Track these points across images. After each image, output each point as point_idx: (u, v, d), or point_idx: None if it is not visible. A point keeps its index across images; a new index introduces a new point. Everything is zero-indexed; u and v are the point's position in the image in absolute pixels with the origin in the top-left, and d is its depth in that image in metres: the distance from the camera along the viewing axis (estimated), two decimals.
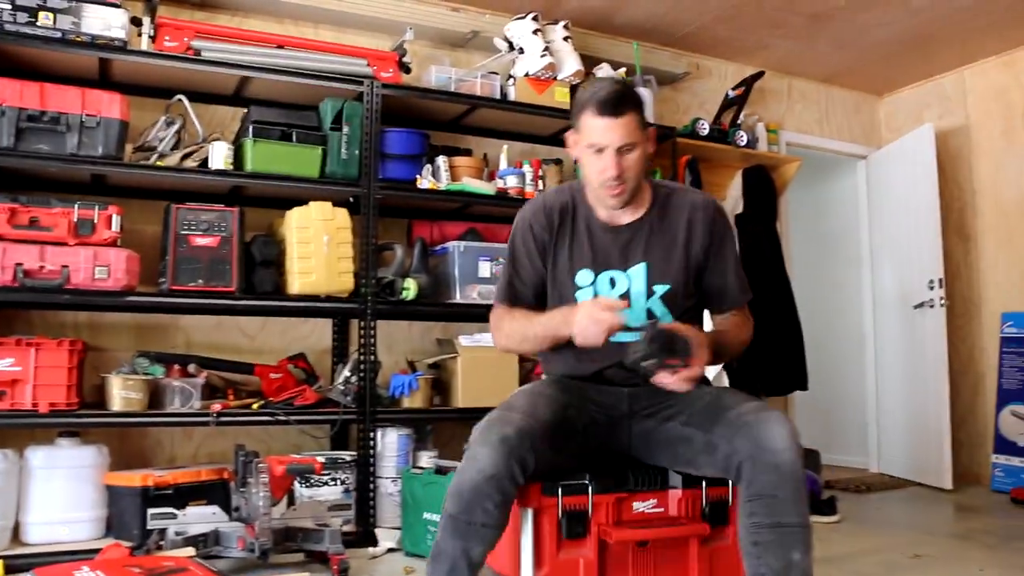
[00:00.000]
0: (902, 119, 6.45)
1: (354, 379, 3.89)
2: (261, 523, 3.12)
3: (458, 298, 4.19)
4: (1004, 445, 5.38)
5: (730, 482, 2.18)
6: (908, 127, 6.25)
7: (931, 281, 5.61)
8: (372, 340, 3.95)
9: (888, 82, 6.39)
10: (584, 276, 2.33)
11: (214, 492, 3.57)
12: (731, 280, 2.40)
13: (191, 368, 3.80)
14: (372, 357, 3.94)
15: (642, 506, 2.24)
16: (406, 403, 4.06)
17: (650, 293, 2.31)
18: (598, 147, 2.17)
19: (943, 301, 5.54)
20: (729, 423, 2.06)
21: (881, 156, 6.35)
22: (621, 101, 2.15)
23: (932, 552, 3.64)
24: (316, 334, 4.38)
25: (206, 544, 3.24)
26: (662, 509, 2.25)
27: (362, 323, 3.97)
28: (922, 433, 5.66)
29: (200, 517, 3.49)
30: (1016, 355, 5.43)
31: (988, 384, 5.69)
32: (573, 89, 4.70)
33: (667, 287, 2.30)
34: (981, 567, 3.37)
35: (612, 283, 2.32)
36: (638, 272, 2.31)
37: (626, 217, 2.33)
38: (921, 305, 5.68)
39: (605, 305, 2.10)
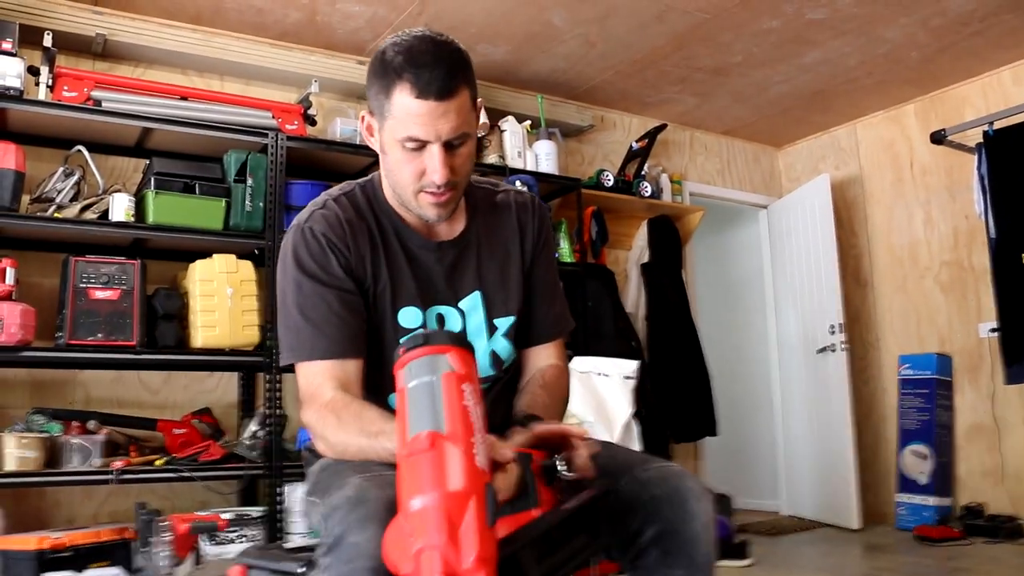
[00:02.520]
0: (800, 169, 6.69)
1: (261, 433, 3.82)
2: None
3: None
4: (906, 484, 5.53)
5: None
6: (806, 177, 6.48)
7: (832, 326, 5.78)
8: (278, 394, 3.89)
9: (786, 134, 6.62)
10: (410, 316, 1.69)
11: (116, 552, 3.42)
12: (557, 301, 1.87)
13: (91, 425, 3.67)
14: (279, 411, 3.88)
15: None
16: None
17: (492, 330, 1.75)
18: (418, 142, 1.55)
19: (844, 345, 5.71)
20: (622, 493, 1.52)
21: (781, 205, 6.55)
22: (451, 74, 1.53)
23: None
24: (221, 388, 4.29)
25: None
26: None
27: (268, 376, 3.91)
28: (830, 475, 5.78)
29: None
30: (913, 396, 5.61)
31: (889, 425, 5.86)
32: (479, 142, 4.76)
33: (510, 320, 1.76)
34: None
35: (440, 322, 1.72)
36: (473, 305, 1.74)
37: (446, 230, 1.74)
38: (824, 349, 5.84)
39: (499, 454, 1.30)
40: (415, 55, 1.53)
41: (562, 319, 1.87)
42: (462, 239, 1.75)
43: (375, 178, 1.77)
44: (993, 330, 4.87)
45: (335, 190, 1.78)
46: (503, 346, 1.76)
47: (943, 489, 5.41)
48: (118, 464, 3.54)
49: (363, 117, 1.67)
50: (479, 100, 1.65)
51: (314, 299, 1.61)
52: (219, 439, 3.90)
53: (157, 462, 3.65)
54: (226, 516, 3.46)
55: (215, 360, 3.89)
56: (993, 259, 4.68)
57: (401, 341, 1.30)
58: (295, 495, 3.87)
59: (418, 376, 1.23)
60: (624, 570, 1.56)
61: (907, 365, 5.72)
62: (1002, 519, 5.02)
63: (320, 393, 1.58)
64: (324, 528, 1.37)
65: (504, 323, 1.76)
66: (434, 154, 1.55)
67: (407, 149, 1.56)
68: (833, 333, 5.77)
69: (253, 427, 3.83)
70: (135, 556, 3.29)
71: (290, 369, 3.98)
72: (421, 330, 1.68)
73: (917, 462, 5.50)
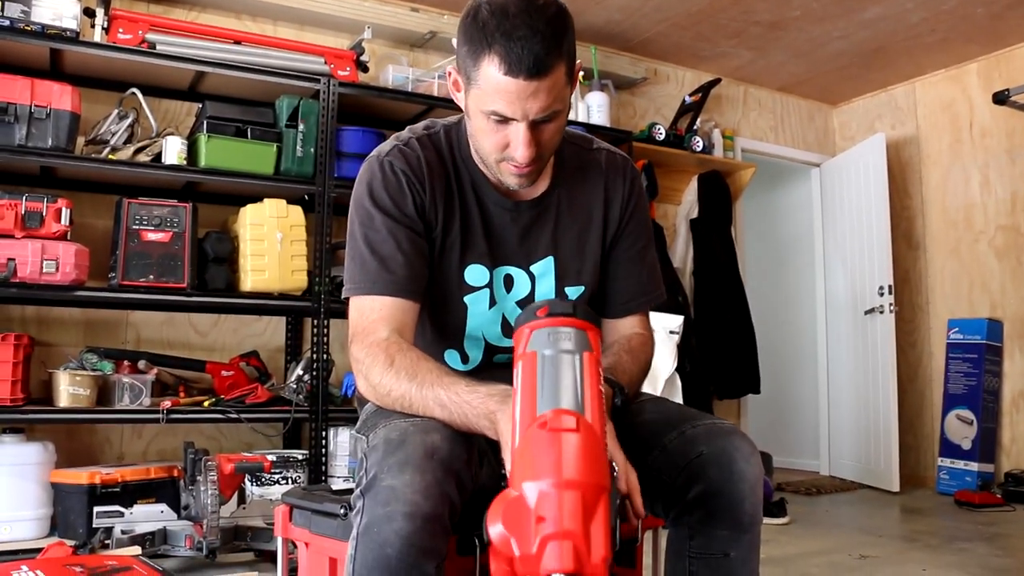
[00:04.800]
0: (855, 128, 6.56)
1: (307, 378, 3.87)
2: (209, 521, 3.09)
3: None
4: (949, 448, 5.48)
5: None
6: (861, 136, 6.35)
7: (881, 287, 5.70)
8: (325, 339, 3.93)
9: (842, 92, 6.48)
10: (477, 274, 1.63)
11: (163, 490, 3.54)
12: (645, 271, 1.75)
13: (141, 364, 3.75)
14: (325, 356, 3.92)
15: None
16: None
17: (560, 298, 1.66)
18: (503, 117, 1.45)
19: (892, 307, 5.63)
20: (669, 450, 1.52)
21: (834, 164, 6.44)
22: (547, 49, 1.40)
23: (877, 553, 3.70)
24: (269, 332, 4.35)
25: (153, 543, 3.22)
26: None
27: (315, 321, 3.95)
28: (871, 437, 5.74)
29: (148, 515, 3.45)
30: (961, 360, 5.54)
31: (935, 389, 5.79)
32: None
33: (580, 289, 1.68)
34: (924, 567, 3.43)
35: (508, 284, 1.65)
36: (544, 270, 1.66)
37: (526, 189, 1.62)
38: (872, 311, 5.77)
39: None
40: (509, 22, 1.40)
41: (650, 290, 1.75)
42: (542, 200, 1.65)
43: (463, 124, 1.65)
44: None
45: (420, 127, 1.68)
46: None
47: (987, 455, 5.36)
48: (167, 404, 3.61)
49: (450, 72, 1.56)
50: (577, 65, 1.53)
51: (383, 234, 1.54)
52: (266, 382, 3.96)
53: (205, 403, 3.72)
54: (271, 458, 3.51)
55: (263, 304, 3.93)
56: None
57: (542, 301, 1.26)
58: (339, 439, 3.94)
59: (557, 347, 1.16)
60: (667, 526, 1.55)
61: (956, 329, 5.64)
62: None
63: (374, 330, 1.51)
64: (362, 467, 1.35)
65: (574, 292, 1.67)
66: (519, 132, 1.46)
67: (492, 121, 1.46)
68: (882, 295, 5.69)
69: (299, 371, 3.88)
70: (182, 494, 3.38)
71: (337, 314, 3.99)
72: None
73: (962, 427, 5.44)
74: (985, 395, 5.39)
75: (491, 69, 1.41)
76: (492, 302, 1.65)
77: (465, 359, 1.71)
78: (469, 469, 1.34)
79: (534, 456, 1.06)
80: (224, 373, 3.95)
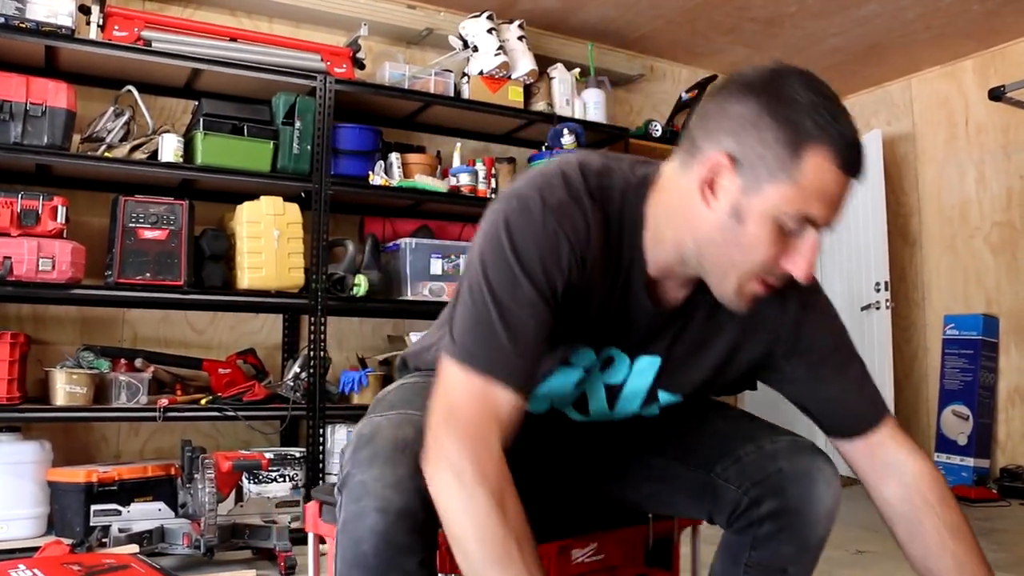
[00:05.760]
0: None
1: (304, 375, 3.87)
2: (207, 519, 3.09)
3: (409, 295, 4.16)
4: (945, 444, 5.50)
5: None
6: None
7: (877, 283, 5.71)
8: (322, 336, 3.93)
9: (838, 88, 6.25)
10: (582, 355, 1.41)
11: (160, 488, 3.54)
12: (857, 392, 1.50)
13: (138, 363, 3.74)
14: (322, 353, 3.92)
15: (581, 554, 1.68)
16: (356, 400, 4.03)
17: (650, 399, 1.48)
18: (814, 220, 1.21)
19: (889, 303, 5.64)
20: (744, 462, 1.46)
21: None
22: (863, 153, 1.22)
23: (874, 548, 3.71)
24: (266, 330, 4.35)
25: (151, 541, 3.22)
26: (602, 556, 1.71)
27: (312, 319, 3.94)
28: None
29: (145, 514, 3.45)
30: (957, 356, 5.55)
31: (930, 385, 5.81)
32: (527, 89, 4.72)
33: (676, 399, 1.49)
34: None
35: (607, 364, 1.44)
36: (646, 366, 1.44)
37: (677, 291, 1.37)
38: (868, 307, 5.78)
39: None
40: (836, 110, 1.19)
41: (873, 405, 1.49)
42: (684, 310, 1.39)
43: (644, 192, 1.32)
44: None
45: (592, 167, 1.32)
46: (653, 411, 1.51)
47: (982, 451, 5.37)
48: (164, 402, 3.61)
49: (713, 158, 1.22)
50: None
51: (526, 310, 1.21)
52: (263, 380, 3.96)
53: (202, 401, 3.72)
54: (268, 455, 3.51)
55: (260, 301, 3.94)
56: None
57: None
58: (337, 436, 3.94)
59: None
60: (726, 530, 1.53)
61: (952, 325, 5.65)
62: None
63: (473, 415, 1.18)
64: (341, 463, 1.30)
65: (666, 398, 1.47)
66: (810, 242, 1.22)
67: (783, 230, 1.21)
68: (878, 291, 5.70)
69: (296, 368, 3.88)
70: (179, 492, 3.37)
71: (334, 312, 3.98)
72: (580, 367, 1.41)
73: (957, 423, 5.46)
74: (981, 391, 5.40)
75: (824, 164, 1.17)
76: (582, 380, 1.46)
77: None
78: None
79: None
80: (221, 371, 3.94)
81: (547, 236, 1.22)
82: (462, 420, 1.17)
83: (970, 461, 5.33)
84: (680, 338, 1.41)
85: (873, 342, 5.73)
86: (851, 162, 1.18)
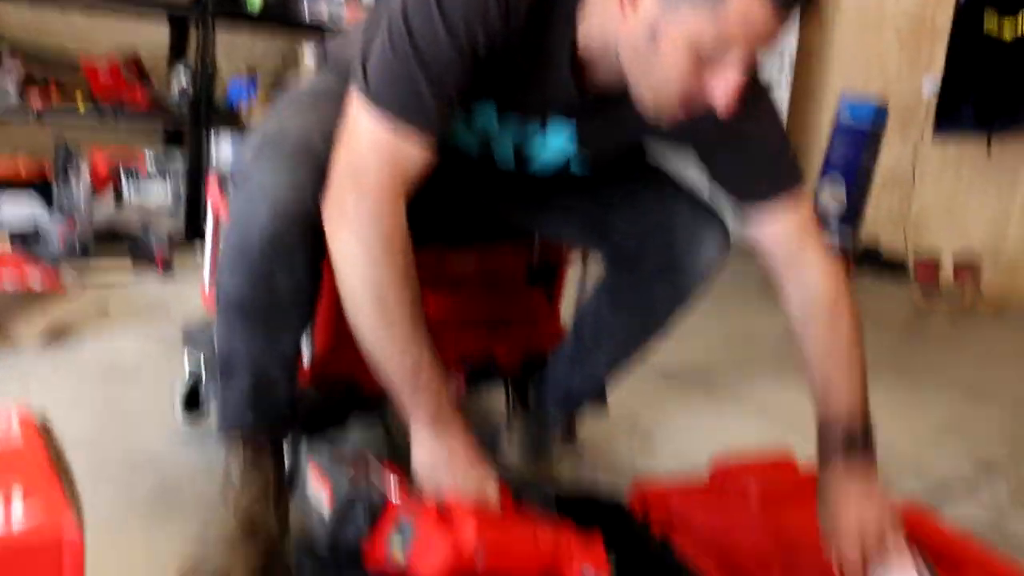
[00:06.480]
0: None
1: (190, 89, 3.73)
2: (81, 218, 3.04)
3: (307, 17, 4.01)
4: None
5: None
6: None
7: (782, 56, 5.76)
8: (211, 47, 3.75)
9: None
10: (485, 112, 1.35)
11: (33, 186, 3.42)
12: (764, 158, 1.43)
13: (3, 53, 3.49)
14: (209, 68, 3.76)
15: (459, 261, 1.74)
16: (244, 117, 3.92)
17: (562, 164, 1.47)
18: (727, 48, 1.11)
19: (789, 80, 5.70)
20: (641, 209, 1.49)
21: None
22: None
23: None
24: (154, 40, 4.08)
25: (24, 242, 3.16)
26: (482, 268, 1.79)
27: (200, 27, 3.75)
28: None
29: (17, 211, 3.34)
30: (846, 142, 5.64)
31: (814, 161, 5.95)
32: None
33: (584, 162, 1.47)
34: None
35: (517, 126, 1.39)
36: (560, 130, 1.39)
37: (606, 76, 1.29)
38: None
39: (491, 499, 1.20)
40: None
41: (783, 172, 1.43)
42: (606, 94, 1.31)
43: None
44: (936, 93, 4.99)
45: None
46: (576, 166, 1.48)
47: (850, 227, 5.60)
48: (38, 103, 3.43)
49: None
50: None
51: (445, 54, 1.15)
52: (147, 88, 3.80)
53: (80, 107, 3.55)
54: (148, 158, 3.40)
55: (146, 10, 3.75)
56: (955, 21, 4.77)
57: None
58: (220, 149, 3.84)
59: None
60: (611, 271, 1.61)
61: (847, 112, 5.72)
62: (895, 263, 5.40)
63: (380, 174, 1.15)
64: (239, 157, 1.28)
65: (577, 165, 1.46)
66: (730, 78, 1.13)
67: (701, 59, 1.12)
68: (781, 72, 5.75)
69: (182, 79, 3.74)
70: (54, 190, 3.29)
71: (225, 21, 3.73)
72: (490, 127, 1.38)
73: (832, 201, 5.64)
74: (859, 172, 5.58)
75: None
76: (489, 138, 1.41)
77: None
78: None
79: None
80: (102, 75, 3.76)
81: None
82: (368, 181, 1.15)
83: (837, 238, 5.56)
84: (598, 113, 1.36)
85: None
86: None
